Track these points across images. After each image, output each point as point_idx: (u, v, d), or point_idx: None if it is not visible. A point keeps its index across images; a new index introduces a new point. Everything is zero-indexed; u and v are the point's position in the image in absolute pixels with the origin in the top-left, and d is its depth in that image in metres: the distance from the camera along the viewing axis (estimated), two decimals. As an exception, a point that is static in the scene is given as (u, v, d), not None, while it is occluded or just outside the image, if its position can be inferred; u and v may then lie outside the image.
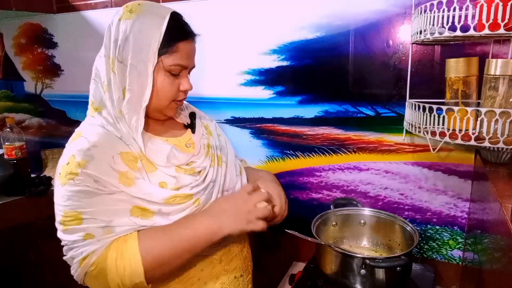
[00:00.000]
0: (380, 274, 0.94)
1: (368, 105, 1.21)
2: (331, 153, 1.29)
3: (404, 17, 1.11)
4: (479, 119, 0.81)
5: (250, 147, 1.40)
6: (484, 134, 0.81)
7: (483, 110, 0.80)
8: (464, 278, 1.14)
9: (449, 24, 0.85)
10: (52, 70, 1.79)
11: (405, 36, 1.12)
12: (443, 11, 0.85)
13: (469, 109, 0.82)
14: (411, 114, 1.01)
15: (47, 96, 1.85)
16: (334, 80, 1.24)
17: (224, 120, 1.43)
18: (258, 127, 1.39)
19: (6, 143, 1.54)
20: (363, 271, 0.93)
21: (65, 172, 0.78)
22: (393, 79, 1.15)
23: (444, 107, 0.87)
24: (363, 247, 1.18)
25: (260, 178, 1.06)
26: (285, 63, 1.29)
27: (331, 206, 1.18)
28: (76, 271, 0.80)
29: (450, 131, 0.86)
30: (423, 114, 0.93)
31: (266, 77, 1.33)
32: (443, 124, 0.89)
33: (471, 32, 0.81)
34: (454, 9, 0.83)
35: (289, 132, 1.34)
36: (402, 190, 1.21)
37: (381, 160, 1.22)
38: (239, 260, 0.99)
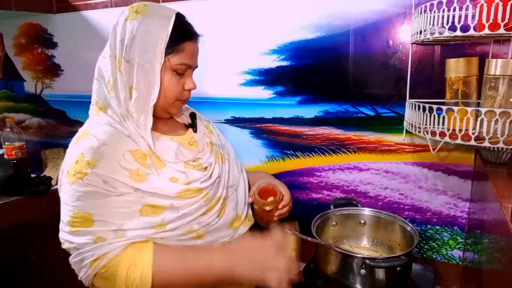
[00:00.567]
0: (380, 274, 0.94)
1: (368, 105, 1.21)
2: (331, 153, 1.29)
3: (404, 17, 1.11)
4: (479, 119, 0.81)
5: (250, 147, 1.40)
6: (484, 134, 0.81)
7: (483, 110, 0.80)
8: (464, 278, 1.14)
9: (449, 24, 0.85)
10: (52, 70, 1.79)
11: (405, 36, 1.12)
12: (443, 11, 0.85)
13: (469, 109, 0.82)
14: (411, 114, 1.02)
15: (47, 96, 1.85)
16: (334, 80, 1.24)
17: (224, 120, 1.43)
18: (258, 127, 1.39)
19: (6, 143, 1.54)
20: (363, 271, 0.93)
21: (73, 171, 0.78)
22: (393, 79, 1.15)
23: (444, 107, 0.87)
24: (363, 247, 1.18)
25: (261, 177, 1.08)
26: (285, 63, 1.29)
27: (331, 206, 1.18)
28: (85, 273, 0.79)
29: (450, 131, 0.86)
30: (423, 114, 0.93)
31: (266, 77, 1.33)
32: (443, 124, 0.89)
33: (471, 32, 0.81)
34: (454, 9, 0.83)
35: (289, 132, 1.34)
36: (402, 190, 1.21)
37: (381, 160, 1.22)
38: None
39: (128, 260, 0.78)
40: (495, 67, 0.85)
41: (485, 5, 0.78)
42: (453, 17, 0.84)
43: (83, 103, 1.75)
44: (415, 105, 0.97)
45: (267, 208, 0.96)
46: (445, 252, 1.19)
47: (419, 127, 0.96)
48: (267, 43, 1.30)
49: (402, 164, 1.19)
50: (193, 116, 1.04)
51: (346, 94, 1.23)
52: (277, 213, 0.99)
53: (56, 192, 1.68)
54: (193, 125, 1.01)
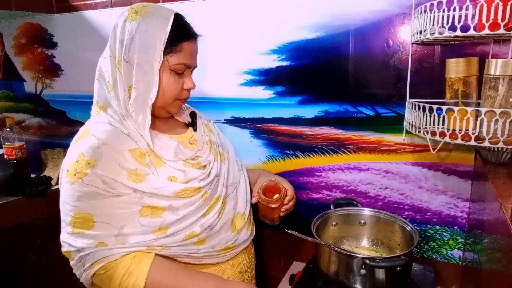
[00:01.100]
0: (380, 274, 0.94)
1: (368, 105, 1.21)
2: (331, 153, 1.29)
3: (404, 17, 1.11)
4: (479, 119, 0.81)
5: (250, 147, 1.40)
6: (484, 134, 0.81)
7: (483, 110, 0.80)
8: (464, 278, 1.14)
9: (449, 24, 0.84)
10: (52, 70, 1.79)
11: (405, 36, 1.12)
12: (443, 11, 0.85)
13: (469, 109, 0.82)
14: (411, 114, 1.02)
15: (47, 96, 1.85)
16: (334, 80, 1.24)
17: (224, 120, 1.43)
18: (258, 127, 1.39)
19: (6, 143, 1.54)
20: (363, 271, 0.93)
21: (73, 170, 0.79)
22: (393, 79, 1.15)
23: (444, 107, 0.87)
24: (363, 247, 1.18)
25: (260, 175, 1.09)
26: (285, 63, 1.29)
27: (331, 206, 1.18)
28: (85, 273, 0.81)
29: (450, 131, 0.86)
30: (423, 114, 0.93)
31: (266, 77, 1.33)
32: (443, 124, 0.89)
33: (471, 32, 0.81)
34: (454, 9, 0.83)
35: (289, 132, 1.34)
36: (402, 190, 1.21)
37: (381, 160, 1.22)
38: (244, 255, 1.02)
39: (125, 268, 0.80)
40: (495, 67, 0.85)
41: (485, 5, 0.78)
42: (453, 17, 0.84)
43: (83, 103, 1.75)
44: (415, 105, 0.97)
45: (273, 205, 0.97)
46: (445, 252, 1.19)
47: (419, 127, 0.96)
48: (267, 43, 1.30)
49: (402, 164, 1.19)
50: (193, 115, 1.05)
51: (346, 94, 1.23)
52: (283, 209, 1.00)
53: (56, 192, 1.68)
54: (193, 124, 1.02)
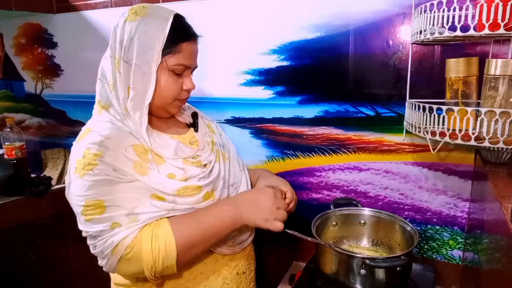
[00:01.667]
0: (380, 274, 0.94)
1: (368, 105, 1.21)
2: (331, 153, 1.29)
3: (404, 17, 1.11)
4: (479, 119, 0.81)
5: (250, 147, 1.40)
6: (484, 134, 0.81)
7: (483, 110, 0.80)
8: (464, 278, 1.14)
9: (449, 24, 0.84)
10: (52, 70, 1.79)
11: (405, 36, 1.12)
12: (443, 11, 0.85)
13: (469, 109, 0.82)
14: (411, 114, 1.02)
15: (47, 96, 1.85)
16: (334, 80, 1.24)
17: (224, 120, 1.43)
18: (258, 127, 1.39)
19: (6, 143, 1.54)
20: (363, 271, 0.93)
21: (82, 165, 0.79)
22: (393, 79, 1.15)
23: (444, 107, 0.87)
24: (363, 247, 1.18)
25: (260, 175, 1.08)
26: (285, 63, 1.29)
27: (331, 206, 1.18)
28: (108, 262, 0.81)
29: (450, 131, 0.86)
30: (423, 114, 0.93)
31: (266, 77, 1.33)
32: (443, 124, 0.89)
33: (471, 32, 0.81)
34: (454, 9, 0.83)
35: (289, 132, 1.34)
36: (402, 190, 1.21)
37: (381, 160, 1.22)
38: (242, 257, 1.02)
39: (149, 235, 0.80)
40: (495, 67, 0.85)
41: (485, 5, 0.78)
42: (453, 17, 0.84)
43: (83, 103, 1.75)
44: (415, 105, 0.97)
45: None
46: (445, 252, 1.19)
47: (419, 127, 0.96)
48: (267, 43, 1.30)
49: (402, 164, 1.19)
50: (194, 115, 1.05)
51: (346, 94, 1.23)
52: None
53: (56, 192, 1.70)
54: (194, 125, 1.02)
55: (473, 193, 1.11)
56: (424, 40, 0.96)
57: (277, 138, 1.37)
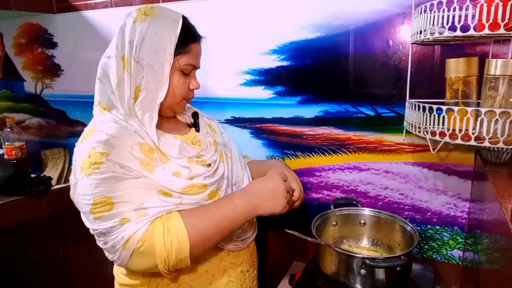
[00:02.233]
0: (380, 274, 0.94)
1: (368, 105, 1.21)
2: (331, 153, 1.29)
3: (404, 17, 1.11)
4: (479, 119, 0.81)
5: (250, 147, 1.40)
6: (484, 134, 0.81)
7: (483, 110, 0.80)
8: (464, 278, 1.14)
9: (449, 24, 0.84)
10: (52, 70, 1.79)
11: (405, 36, 1.12)
12: (443, 11, 0.85)
13: (469, 109, 0.82)
14: (411, 114, 1.02)
15: (47, 96, 1.85)
16: (334, 80, 1.24)
17: (224, 120, 1.43)
18: (258, 127, 1.39)
19: (6, 143, 1.54)
20: (363, 271, 0.93)
21: (88, 164, 0.79)
22: (393, 79, 1.15)
23: (444, 107, 0.87)
24: (363, 247, 1.18)
25: (272, 166, 1.09)
26: (285, 63, 1.29)
27: (331, 206, 1.18)
28: (120, 257, 0.81)
29: (450, 131, 0.86)
30: (423, 114, 0.93)
31: (266, 77, 1.33)
32: (443, 124, 0.89)
33: (471, 32, 0.81)
34: (454, 9, 0.83)
35: (289, 132, 1.34)
36: (402, 190, 1.21)
37: (381, 160, 1.22)
38: (246, 254, 1.03)
39: (161, 228, 0.80)
40: (495, 67, 0.85)
41: (485, 5, 0.78)
42: (453, 17, 0.84)
43: (83, 103, 1.75)
44: (415, 105, 0.97)
45: None
46: (445, 252, 1.19)
47: (419, 127, 0.96)
48: (267, 43, 1.30)
49: (402, 164, 1.19)
50: (195, 115, 1.06)
51: (346, 94, 1.23)
52: (289, 208, 1.01)
53: (56, 192, 1.70)
54: (195, 125, 1.03)
55: (473, 193, 1.11)
56: (424, 40, 0.96)
57: (277, 138, 1.37)
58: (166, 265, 0.80)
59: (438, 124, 0.90)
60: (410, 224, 1.06)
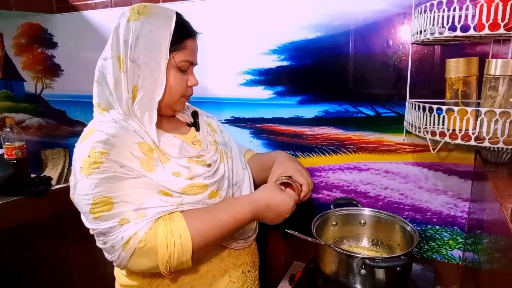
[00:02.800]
0: (380, 274, 0.94)
1: (368, 105, 1.21)
2: (331, 153, 1.29)
3: (404, 17, 1.11)
4: (479, 119, 0.81)
5: (250, 147, 1.40)
6: (484, 134, 0.81)
7: (483, 110, 0.80)
8: (464, 278, 1.14)
9: (449, 24, 0.85)
10: (52, 70, 1.79)
11: (405, 36, 1.12)
12: (443, 11, 0.85)
13: (469, 109, 0.82)
14: (411, 114, 1.02)
15: (47, 96, 1.85)
16: (334, 80, 1.24)
17: (224, 120, 1.43)
18: (258, 127, 1.39)
19: (6, 143, 1.54)
20: (363, 271, 0.93)
21: (87, 164, 0.79)
22: (393, 79, 1.15)
23: (444, 107, 0.87)
24: (363, 247, 1.18)
25: (275, 158, 1.08)
26: (285, 63, 1.29)
27: (331, 206, 1.18)
28: (119, 257, 0.80)
29: (450, 131, 0.86)
30: (423, 114, 0.93)
31: (266, 77, 1.33)
32: (443, 124, 0.89)
33: (471, 32, 0.81)
34: (454, 9, 0.83)
35: (289, 132, 1.34)
36: (402, 190, 1.21)
37: (381, 160, 1.22)
38: (247, 255, 1.03)
39: (164, 229, 0.80)
40: (495, 67, 0.85)
41: (485, 5, 0.78)
42: (453, 17, 0.84)
43: (83, 103, 1.75)
44: (415, 105, 0.97)
45: None
46: (445, 252, 1.19)
47: (419, 127, 0.96)
48: (267, 43, 1.30)
49: (402, 164, 1.19)
50: (195, 114, 1.05)
51: (346, 94, 1.23)
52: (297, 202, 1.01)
53: (56, 192, 1.69)
54: (195, 124, 1.03)
55: (473, 193, 1.11)
56: (424, 40, 0.96)
57: (277, 138, 1.37)
58: (167, 267, 0.80)
59: (438, 124, 0.90)
60: (410, 224, 1.06)
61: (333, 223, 1.17)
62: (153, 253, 0.79)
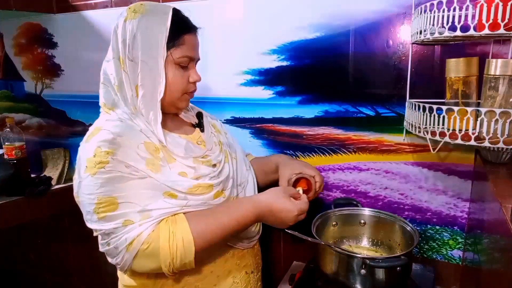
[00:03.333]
0: (380, 274, 0.94)
1: (368, 105, 1.21)
2: (331, 153, 1.29)
3: (404, 17, 1.11)
4: (479, 119, 0.81)
5: (250, 147, 1.40)
6: (484, 134, 0.81)
7: (483, 110, 0.80)
8: (464, 278, 1.14)
9: (449, 24, 0.84)
10: (52, 70, 1.79)
11: (405, 36, 1.12)
12: (443, 11, 0.85)
13: (469, 109, 0.82)
14: (411, 114, 1.02)
15: (47, 96, 1.85)
16: (334, 80, 1.24)
17: (224, 120, 1.43)
18: (258, 127, 1.39)
19: (6, 143, 1.54)
20: (363, 271, 0.93)
21: (93, 163, 0.78)
22: (393, 79, 1.15)
23: (444, 107, 0.87)
24: (363, 247, 1.18)
25: (278, 163, 1.09)
26: (285, 63, 1.29)
27: (331, 206, 1.18)
28: (122, 259, 0.80)
29: (450, 131, 0.86)
30: (423, 114, 0.93)
31: (266, 77, 1.33)
32: (443, 124, 0.89)
33: (471, 32, 0.81)
34: (454, 9, 0.83)
35: (289, 132, 1.34)
36: (402, 190, 1.21)
37: (381, 160, 1.22)
38: (250, 256, 1.03)
39: (166, 232, 0.79)
40: (495, 67, 0.84)
41: (485, 5, 0.78)
42: (453, 17, 0.84)
43: (83, 103, 1.75)
44: (415, 105, 0.97)
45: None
46: (445, 252, 1.19)
47: (419, 127, 0.96)
48: (267, 43, 1.30)
49: (402, 164, 1.19)
50: (199, 115, 1.05)
51: (346, 94, 1.23)
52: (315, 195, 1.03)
53: (56, 192, 1.69)
54: (200, 125, 1.03)
55: (473, 193, 1.11)
56: (424, 40, 0.96)
57: (277, 138, 1.37)
58: (170, 268, 0.80)
59: (438, 124, 0.90)
60: (410, 224, 1.06)
61: (333, 223, 1.17)
62: (156, 255, 0.79)
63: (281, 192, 0.91)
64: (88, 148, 0.81)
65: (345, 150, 1.27)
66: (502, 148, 0.85)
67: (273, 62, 1.31)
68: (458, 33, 0.83)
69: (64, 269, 2.03)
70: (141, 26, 0.84)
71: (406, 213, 1.21)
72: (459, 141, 0.84)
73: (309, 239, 0.97)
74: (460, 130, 0.84)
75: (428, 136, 0.92)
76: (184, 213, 0.84)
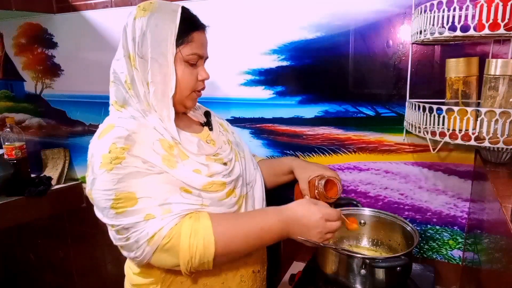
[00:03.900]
0: (380, 274, 0.94)
1: (368, 105, 1.21)
2: (331, 153, 1.29)
3: (404, 17, 1.11)
4: (479, 119, 0.81)
5: (250, 147, 1.39)
6: (484, 134, 0.81)
7: (483, 110, 0.80)
8: (464, 278, 1.14)
9: (449, 24, 0.85)
10: (52, 70, 1.79)
11: (405, 36, 1.12)
12: (443, 11, 0.85)
13: (469, 109, 0.82)
14: (411, 114, 1.02)
15: (47, 96, 1.85)
16: (334, 80, 1.24)
17: (224, 120, 1.43)
18: (258, 127, 1.39)
19: (6, 143, 1.54)
20: (363, 271, 0.93)
21: (108, 159, 0.78)
22: (393, 79, 1.15)
23: (444, 107, 0.87)
24: (363, 247, 1.18)
25: (289, 166, 1.11)
26: (285, 63, 1.29)
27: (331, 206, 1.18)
28: (143, 252, 0.80)
29: (450, 131, 0.86)
30: (423, 114, 0.93)
31: (266, 77, 1.33)
32: (443, 124, 0.89)
33: (471, 32, 0.81)
34: (454, 9, 0.83)
35: (289, 132, 1.34)
36: (402, 190, 1.21)
37: (381, 160, 1.22)
38: (258, 254, 1.03)
39: (188, 228, 0.79)
40: (495, 67, 0.85)
41: (485, 5, 0.78)
42: (453, 17, 0.84)
43: (83, 103, 1.75)
44: (415, 105, 0.97)
45: (332, 200, 1.03)
46: (445, 252, 1.19)
47: (419, 127, 0.96)
48: (267, 43, 1.30)
49: (402, 164, 1.19)
50: (207, 114, 1.06)
51: (346, 94, 1.23)
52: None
53: (56, 192, 1.69)
54: (208, 123, 1.03)
55: (473, 193, 1.11)
56: (424, 40, 0.96)
57: (277, 138, 1.37)
58: (188, 267, 0.79)
59: (438, 124, 0.90)
60: (410, 224, 1.06)
61: (333, 223, 1.17)
62: (175, 251, 0.78)
63: (305, 200, 0.92)
64: (102, 145, 0.80)
65: (345, 150, 1.27)
66: (502, 148, 0.86)
67: (273, 62, 1.31)
68: (458, 33, 0.83)
69: (64, 269, 2.03)
70: (151, 24, 0.84)
71: (406, 213, 1.22)
72: (459, 141, 0.84)
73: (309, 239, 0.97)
74: (460, 130, 0.84)
75: (428, 136, 0.92)
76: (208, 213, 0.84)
